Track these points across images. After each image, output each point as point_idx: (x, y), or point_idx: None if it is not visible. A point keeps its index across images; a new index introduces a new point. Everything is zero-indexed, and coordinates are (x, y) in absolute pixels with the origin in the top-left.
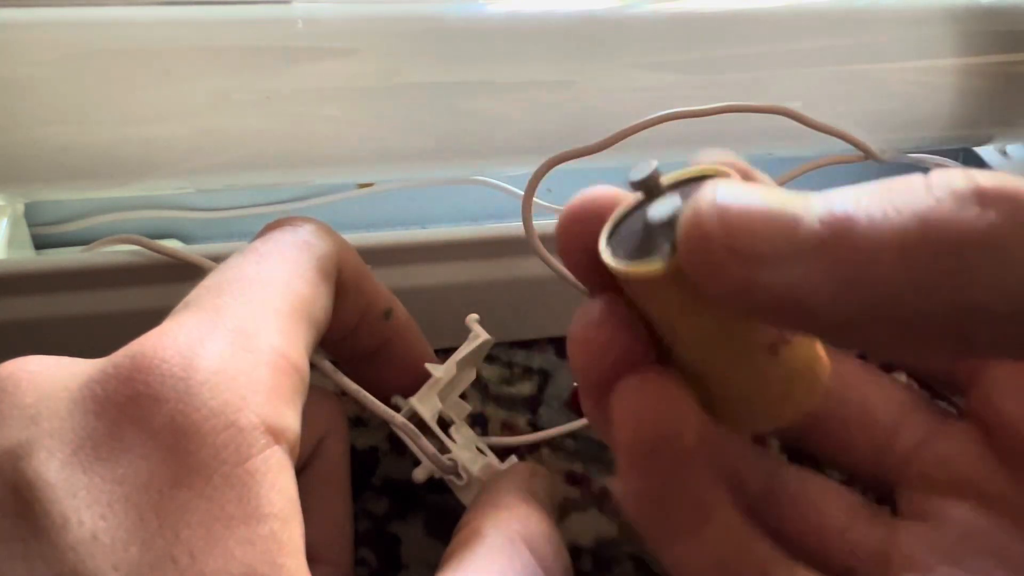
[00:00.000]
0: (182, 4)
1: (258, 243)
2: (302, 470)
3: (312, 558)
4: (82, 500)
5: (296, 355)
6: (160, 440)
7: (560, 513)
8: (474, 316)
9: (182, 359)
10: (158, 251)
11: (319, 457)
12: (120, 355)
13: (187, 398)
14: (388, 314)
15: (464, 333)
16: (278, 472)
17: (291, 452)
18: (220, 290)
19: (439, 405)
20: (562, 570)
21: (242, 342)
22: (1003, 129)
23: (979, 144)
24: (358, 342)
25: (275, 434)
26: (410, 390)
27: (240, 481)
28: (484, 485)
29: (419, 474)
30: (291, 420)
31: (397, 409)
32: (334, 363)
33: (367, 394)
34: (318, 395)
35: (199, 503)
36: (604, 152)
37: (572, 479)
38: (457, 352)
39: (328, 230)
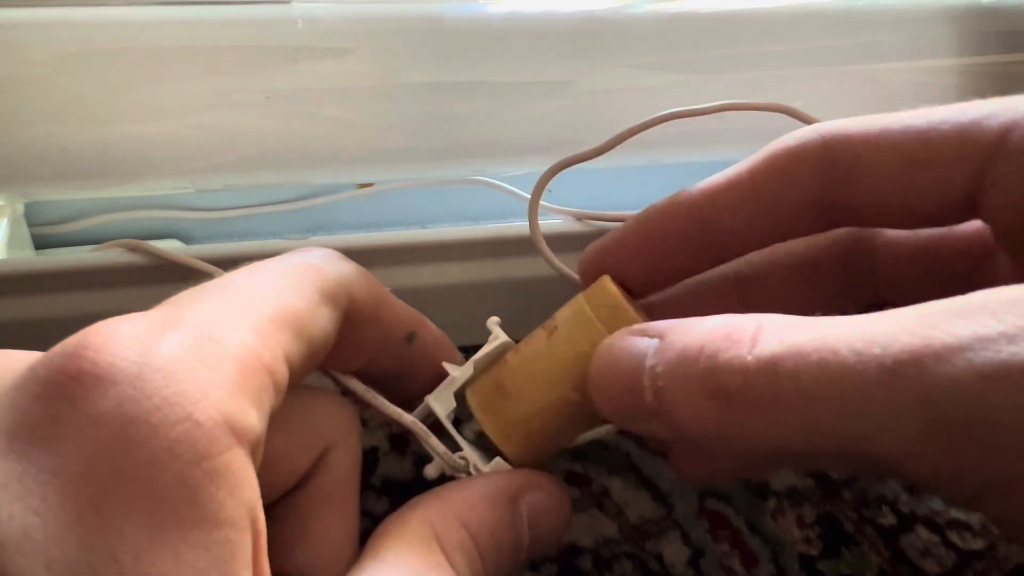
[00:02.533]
0: (182, 4)
1: (263, 260)
2: (300, 485)
3: None
4: (13, 492)
5: (270, 356)
6: (104, 427)
7: None
8: (495, 319)
9: (138, 343)
10: (158, 255)
11: (322, 471)
12: (71, 336)
13: (138, 383)
14: (411, 338)
15: (465, 332)
16: (239, 476)
17: (253, 455)
18: (201, 291)
19: (454, 404)
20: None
21: (209, 333)
22: None
23: None
24: (380, 367)
25: (237, 433)
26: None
27: (197, 481)
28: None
29: (430, 471)
30: (255, 420)
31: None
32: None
33: (375, 394)
34: (326, 401)
35: (147, 501)
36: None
37: (572, 479)
38: (477, 354)
39: (340, 257)
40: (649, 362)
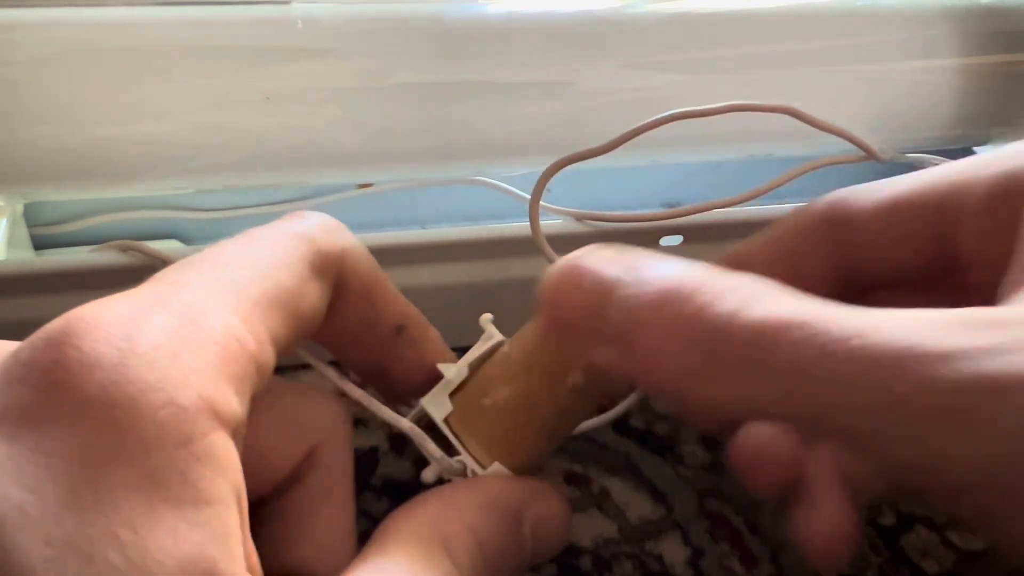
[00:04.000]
0: (182, 4)
1: (257, 228)
2: (291, 483)
3: None
4: (7, 472)
5: (252, 341)
6: (93, 410)
7: None
8: (488, 316)
9: (122, 328)
10: (156, 256)
11: (313, 468)
12: (56, 320)
13: (123, 369)
14: (400, 330)
15: (464, 333)
16: (224, 457)
17: (235, 438)
18: (189, 265)
19: (449, 407)
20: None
21: (192, 317)
22: (1003, 129)
23: (979, 144)
24: (364, 354)
25: (219, 417)
26: (426, 392)
27: (185, 463)
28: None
29: (428, 475)
30: (235, 405)
31: (408, 408)
32: (334, 363)
33: (371, 398)
34: (314, 397)
35: (140, 480)
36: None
37: (572, 479)
38: (469, 353)
39: (340, 229)
40: (622, 291)
